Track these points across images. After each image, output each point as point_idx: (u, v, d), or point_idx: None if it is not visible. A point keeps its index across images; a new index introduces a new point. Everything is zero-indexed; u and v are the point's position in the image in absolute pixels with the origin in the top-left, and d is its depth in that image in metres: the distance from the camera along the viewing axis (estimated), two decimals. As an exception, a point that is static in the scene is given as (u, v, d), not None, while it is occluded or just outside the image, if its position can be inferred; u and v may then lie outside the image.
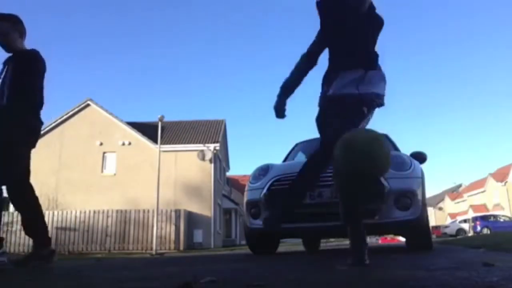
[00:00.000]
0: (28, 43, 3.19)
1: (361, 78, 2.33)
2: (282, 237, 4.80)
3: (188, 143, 20.68)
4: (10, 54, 3.08)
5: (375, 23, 2.42)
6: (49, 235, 3.12)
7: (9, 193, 2.97)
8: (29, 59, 3.04)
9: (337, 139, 2.16)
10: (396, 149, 4.95)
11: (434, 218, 47.48)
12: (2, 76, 3.00)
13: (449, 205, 52.83)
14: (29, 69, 3.01)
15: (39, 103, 3.09)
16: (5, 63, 3.07)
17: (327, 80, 2.45)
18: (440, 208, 53.71)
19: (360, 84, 2.32)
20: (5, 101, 2.89)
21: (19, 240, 16.40)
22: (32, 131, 3.07)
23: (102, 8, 51.17)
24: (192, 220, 18.57)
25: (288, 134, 73.96)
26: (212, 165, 20.19)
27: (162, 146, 17.42)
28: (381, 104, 2.42)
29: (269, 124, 78.43)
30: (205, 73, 65.85)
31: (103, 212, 17.00)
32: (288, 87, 2.59)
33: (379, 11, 2.40)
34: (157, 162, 15.89)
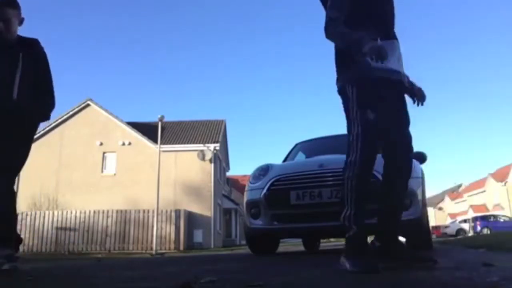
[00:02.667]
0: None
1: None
2: (282, 237, 4.80)
3: (188, 143, 20.68)
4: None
5: None
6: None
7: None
8: (42, 51, 2.92)
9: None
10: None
11: (434, 218, 47.48)
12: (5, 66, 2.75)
13: (449, 205, 52.83)
14: (47, 64, 2.93)
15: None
16: (9, 51, 2.78)
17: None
18: (440, 208, 53.70)
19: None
20: (26, 99, 2.75)
21: (19, 240, 16.41)
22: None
23: (102, 8, 51.18)
24: (192, 220, 18.57)
25: (288, 134, 74.01)
26: (212, 165, 20.18)
27: (162, 146, 17.42)
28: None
29: (269, 124, 78.46)
30: (205, 73, 65.87)
31: (103, 212, 16.99)
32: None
33: None
34: (157, 162, 15.88)
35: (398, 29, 2.15)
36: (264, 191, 3.87)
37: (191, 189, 19.50)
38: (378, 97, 1.95)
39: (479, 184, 46.29)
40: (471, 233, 24.56)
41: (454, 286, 1.29)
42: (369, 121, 1.91)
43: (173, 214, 16.98)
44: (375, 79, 1.94)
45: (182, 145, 20.44)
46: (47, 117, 2.99)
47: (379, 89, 1.96)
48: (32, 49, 2.87)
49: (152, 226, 15.76)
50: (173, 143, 20.52)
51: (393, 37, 2.09)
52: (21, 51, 2.79)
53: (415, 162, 3.98)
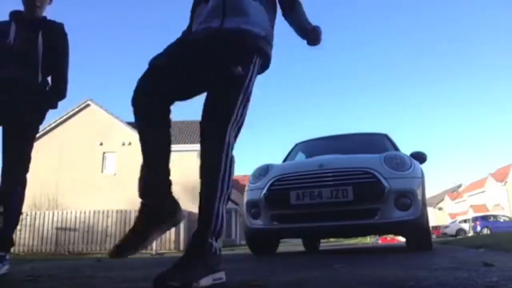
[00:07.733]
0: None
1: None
2: (282, 237, 4.80)
3: (188, 143, 20.68)
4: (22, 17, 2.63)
5: None
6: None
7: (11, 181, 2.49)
8: (64, 35, 2.72)
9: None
10: (396, 149, 4.96)
11: (434, 218, 47.50)
12: (19, 41, 2.55)
13: (449, 205, 52.85)
14: (67, 49, 2.73)
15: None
16: (29, 27, 2.62)
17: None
18: (440, 208, 53.74)
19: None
20: (41, 79, 2.60)
21: (19, 240, 16.39)
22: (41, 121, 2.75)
23: (102, 6, 51.21)
24: (192, 220, 18.57)
25: (288, 134, 74.01)
26: (212, 165, 20.19)
27: (162, 146, 17.41)
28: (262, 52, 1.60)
29: (269, 124, 78.49)
30: (205, 73, 65.70)
31: (103, 212, 16.99)
32: None
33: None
34: (157, 162, 15.85)
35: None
36: (264, 191, 3.88)
37: (191, 189, 19.46)
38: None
39: (479, 184, 46.31)
40: (471, 233, 24.57)
41: (454, 286, 1.28)
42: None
43: (173, 214, 16.97)
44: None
45: (182, 145, 20.45)
46: (55, 106, 2.78)
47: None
48: (53, 31, 2.67)
49: (152, 226, 15.75)
50: (173, 143, 20.47)
51: None
52: (41, 29, 2.62)
53: (415, 162, 3.99)
